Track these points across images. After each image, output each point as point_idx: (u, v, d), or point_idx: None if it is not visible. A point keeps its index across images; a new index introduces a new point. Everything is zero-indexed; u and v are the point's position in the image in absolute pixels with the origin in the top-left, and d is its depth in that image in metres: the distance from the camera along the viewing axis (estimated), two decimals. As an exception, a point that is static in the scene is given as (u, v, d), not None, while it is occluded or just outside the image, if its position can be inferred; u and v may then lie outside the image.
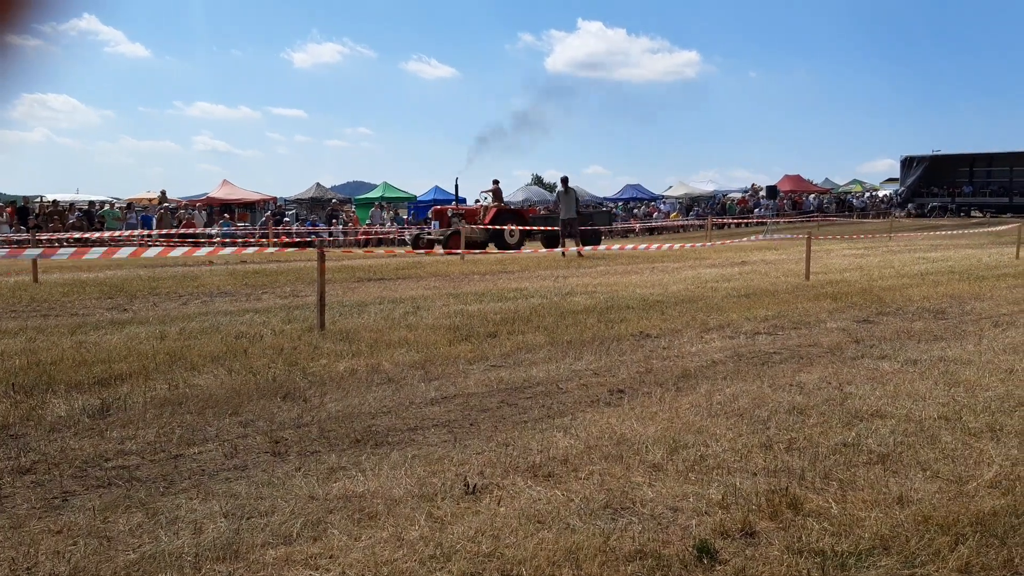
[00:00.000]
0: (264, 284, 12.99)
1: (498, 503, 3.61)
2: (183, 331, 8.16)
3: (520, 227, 24.65)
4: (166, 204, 32.74)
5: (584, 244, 22.60)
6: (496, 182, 25.93)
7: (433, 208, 28.53)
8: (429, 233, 24.81)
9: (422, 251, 21.15)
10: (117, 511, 3.57)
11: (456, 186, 27.19)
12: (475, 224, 23.93)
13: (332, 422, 4.96)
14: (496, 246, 23.38)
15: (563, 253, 19.71)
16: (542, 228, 25.45)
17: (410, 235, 27.37)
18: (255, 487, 3.85)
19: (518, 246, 23.85)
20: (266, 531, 3.34)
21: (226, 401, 5.40)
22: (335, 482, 3.91)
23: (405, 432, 4.77)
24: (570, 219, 20.48)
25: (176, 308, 10.22)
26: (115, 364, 6.55)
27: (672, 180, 58.61)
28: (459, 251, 19.29)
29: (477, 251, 20.67)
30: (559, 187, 20.97)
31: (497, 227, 23.90)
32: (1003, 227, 25.94)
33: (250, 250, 15.79)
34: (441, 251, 20.69)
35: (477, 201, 27.02)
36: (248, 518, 3.48)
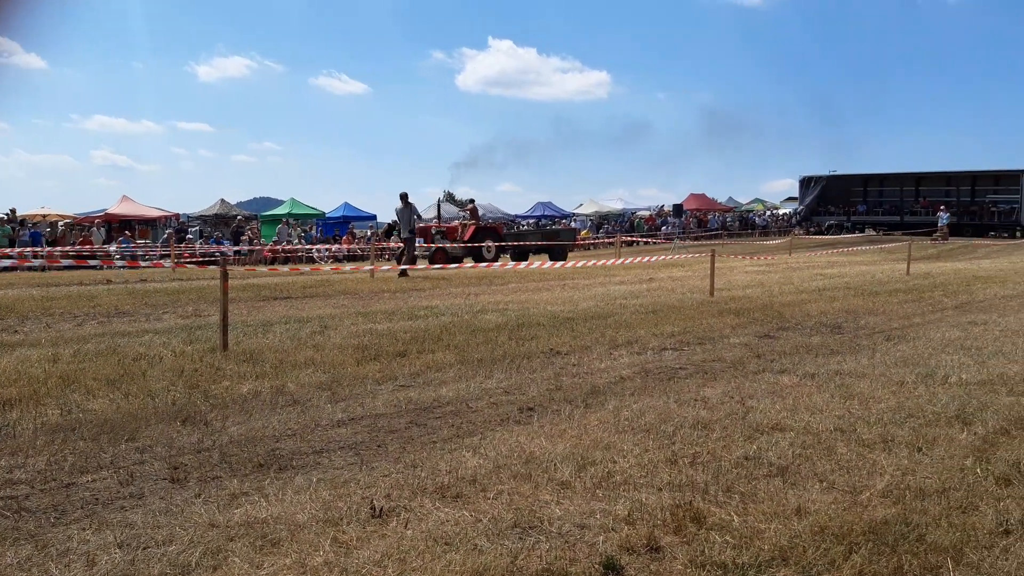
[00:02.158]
0: (165, 303, 12.58)
1: (405, 526, 3.57)
2: (78, 353, 7.82)
3: (496, 243, 26.52)
4: (13, 223, 30.87)
5: (552, 259, 23.91)
6: (472, 202, 28.17)
7: (417, 226, 29.58)
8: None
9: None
10: (4, 544, 3.39)
11: (439, 206, 29.55)
12: (455, 241, 25.64)
13: (234, 446, 4.83)
14: (474, 260, 24.64)
15: (405, 272, 18.99)
16: (515, 244, 28.00)
17: (318, 252, 28.18)
18: (152, 515, 3.71)
19: (495, 260, 25.63)
20: (163, 561, 3.22)
21: (122, 426, 5.20)
22: (237, 508, 3.79)
23: (310, 455, 4.68)
24: (407, 238, 19.98)
25: (71, 329, 9.81)
26: (3, 388, 6.24)
27: (583, 198, 59.34)
28: (442, 266, 20.45)
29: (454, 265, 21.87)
30: (399, 203, 20.21)
31: (475, 244, 25.50)
32: (894, 244, 27.15)
33: (144, 264, 15.23)
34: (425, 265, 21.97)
35: (455, 219, 29.04)
36: (144, 548, 3.35)
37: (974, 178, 50.26)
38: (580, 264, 20.63)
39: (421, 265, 20.94)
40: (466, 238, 25.70)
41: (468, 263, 22.46)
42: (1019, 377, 6.81)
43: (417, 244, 25.67)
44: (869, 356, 7.84)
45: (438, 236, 26.00)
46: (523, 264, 20.61)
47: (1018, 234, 43.18)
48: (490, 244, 25.95)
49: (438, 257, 24.32)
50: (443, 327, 9.66)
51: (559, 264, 18.90)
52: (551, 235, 30.32)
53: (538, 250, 28.62)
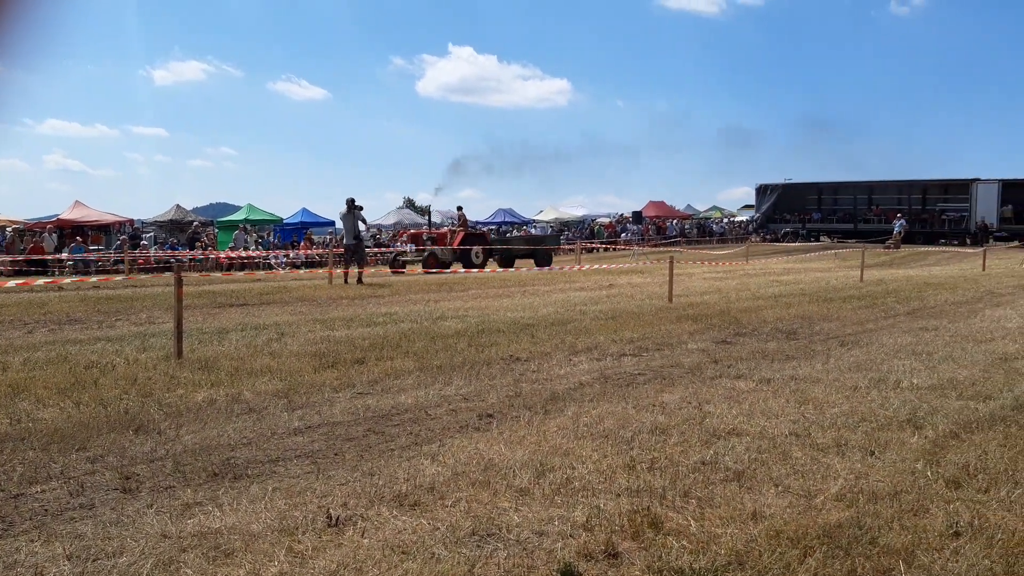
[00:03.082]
0: (118, 310, 12.36)
1: (362, 535, 3.53)
2: (28, 361, 7.65)
3: (484, 249, 27.70)
4: None
5: (537, 264, 25.93)
6: (460, 208, 28.97)
7: (408, 232, 31.64)
8: (405, 255, 27.20)
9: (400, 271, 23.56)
10: (-55, 559, 3.29)
11: (429, 214, 32.20)
12: (445, 246, 26.69)
13: (188, 455, 4.75)
14: (463, 265, 25.64)
15: (345, 279, 18.69)
16: (502, 249, 29.46)
17: (275, 259, 28.89)
18: (102, 526, 3.64)
19: (482, 265, 26.69)
20: (113, 573, 3.16)
21: (73, 436, 5.09)
22: (190, 518, 3.73)
23: (266, 464, 4.61)
24: (351, 244, 19.51)
25: (21, 337, 9.59)
26: (-53, 398, 6.08)
27: (543, 204, 59.51)
28: (434, 270, 21.52)
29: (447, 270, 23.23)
30: (343, 209, 19.57)
31: (464, 248, 26.59)
32: (848, 251, 27.61)
33: (94, 279, 14.94)
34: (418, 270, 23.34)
35: (443, 225, 30.90)
36: (94, 560, 3.28)
37: (925, 187, 51.31)
38: (535, 269, 20.67)
39: (416, 270, 21.63)
40: (455, 243, 26.68)
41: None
42: (968, 382, 6.95)
43: (411, 248, 26.62)
44: (823, 361, 7.95)
45: (429, 242, 27.05)
46: (511, 268, 21.20)
47: (968, 242, 44.14)
48: (478, 250, 27.00)
49: (430, 262, 25.34)
50: (402, 334, 9.61)
51: (546, 268, 19.45)
52: (536, 241, 31.86)
53: (524, 255, 29.63)
